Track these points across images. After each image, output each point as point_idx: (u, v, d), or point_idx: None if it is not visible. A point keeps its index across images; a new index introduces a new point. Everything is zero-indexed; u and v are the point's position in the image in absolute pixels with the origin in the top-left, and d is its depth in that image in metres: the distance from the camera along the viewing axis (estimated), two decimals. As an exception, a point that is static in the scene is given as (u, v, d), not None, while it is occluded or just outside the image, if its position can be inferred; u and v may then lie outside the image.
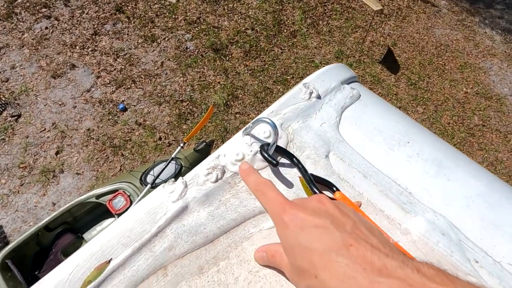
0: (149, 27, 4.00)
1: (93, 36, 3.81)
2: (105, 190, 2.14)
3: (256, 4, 4.49)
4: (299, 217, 0.33)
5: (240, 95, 3.70)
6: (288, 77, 3.93)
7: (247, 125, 0.50)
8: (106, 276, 0.38)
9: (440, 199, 0.48)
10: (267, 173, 0.48)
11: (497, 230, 0.45)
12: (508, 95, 4.29)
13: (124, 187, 2.15)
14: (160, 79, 3.66)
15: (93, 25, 3.89)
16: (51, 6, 3.93)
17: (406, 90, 4.14)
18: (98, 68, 3.60)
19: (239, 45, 4.07)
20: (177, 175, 2.13)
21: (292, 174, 0.49)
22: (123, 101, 3.45)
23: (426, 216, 0.45)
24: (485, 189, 0.51)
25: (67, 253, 2.10)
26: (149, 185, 2.02)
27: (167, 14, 4.15)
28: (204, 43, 3.99)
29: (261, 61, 4.01)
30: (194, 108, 3.53)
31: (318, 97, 0.57)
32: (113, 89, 3.50)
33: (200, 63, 3.84)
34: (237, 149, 0.49)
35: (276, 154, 0.49)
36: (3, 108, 3.23)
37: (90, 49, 3.72)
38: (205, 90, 3.66)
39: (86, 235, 2.25)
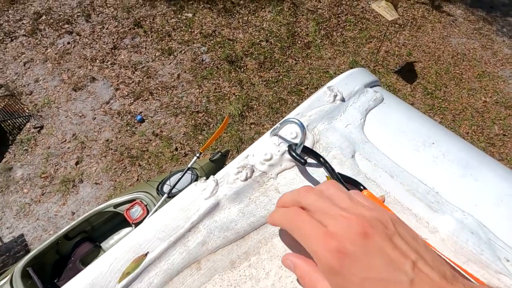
0: (166, 40, 4.11)
1: (113, 50, 3.93)
2: (123, 199, 2.16)
3: (270, 16, 4.56)
4: (351, 261, 0.29)
5: (255, 106, 3.73)
6: (303, 88, 3.95)
7: (275, 126, 0.51)
8: (143, 269, 0.39)
9: (468, 198, 0.47)
10: (295, 172, 0.49)
11: None
12: (529, 103, 4.19)
13: (141, 196, 2.17)
14: (176, 90, 3.73)
15: (113, 39, 4.02)
16: (73, 22, 4.09)
17: (422, 100, 4.09)
18: (117, 81, 3.71)
19: (254, 56, 4.13)
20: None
21: (319, 173, 0.49)
22: (140, 112, 3.52)
23: (454, 215, 0.44)
24: None
25: (85, 261, 2.12)
26: (165, 195, 2.04)
27: (183, 28, 4.26)
28: (219, 55, 4.06)
29: (276, 72, 4.05)
30: (210, 119, 3.57)
31: (342, 99, 0.58)
32: (131, 101, 3.59)
33: (216, 74, 3.91)
34: (265, 149, 0.50)
35: (303, 154, 0.49)
36: (26, 120, 3.35)
37: (109, 62, 3.84)
38: (221, 101, 3.70)
39: (103, 244, 2.28)
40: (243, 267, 0.40)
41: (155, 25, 4.23)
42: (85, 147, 3.27)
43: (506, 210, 0.46)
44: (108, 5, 4.32)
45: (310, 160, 0.50)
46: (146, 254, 0.40)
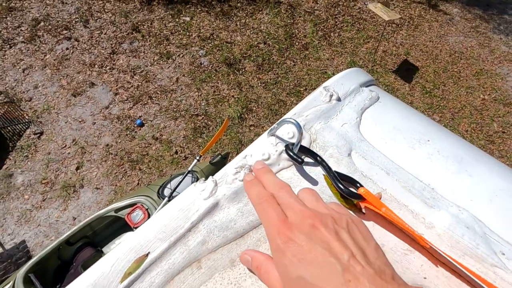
0: (165, 44, 4.12)
1: (111, 55, 3.95)
2: (124, 204, 2.17)
3: (268, 18, 4.58)
4: (295, 245, 0.33)
5: (254, 108, 3.74)
6: (301, 89, 3.96)
7: (272, 126, 0.52)
8: (144, 268, 0.40)
9: (463, 194, 0.48)
10: (292, 171, 0.50)
11: None
12: (528, 100, 4.20)
13: (142, 200, 2.17)
14: (175, 94, 3.74)
15: (111, 44, 4.03)
16: (71, 28, 4.10)
17: (421, 99, 4.10)
18: (116, 86, 3.72)
19: (252, 59, 4.14)
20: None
21: (316, 172, 0.50)
22: (140, 116, 3.53)
23: (450, 210, 0.45)
24: (508, 184, 0.51)
25: (87, 266, 2.12)
26: (166, 198, 2.04)
27: (181, 31, 4.27)
28: (217, 58, 4.08)
29: (274, 74, 4.06)
30: (209, 122, 3.58)
31: (338, 99, 0.59)
32: (131, 105, 3.60)
33: (214, 77, 3.92)
34: (263, 149, 0.51)
35: (300, 153, 0.50)
36: (26, 126, 3.36)
37: (108, 67, 3.85)
38: (220, 104, 3.71)
39: (105, 249, 2.28)
40: (243, 265, 0.41)
41: (153, 29, 4.24)
42: (85, 152, 3.27)
43: (500, 205, 0.47)
44: (106, 10, 4.34)
45: (307, 159, 0.51)
46: (147, 255, 0.41)
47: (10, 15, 4.09)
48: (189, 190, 0.47)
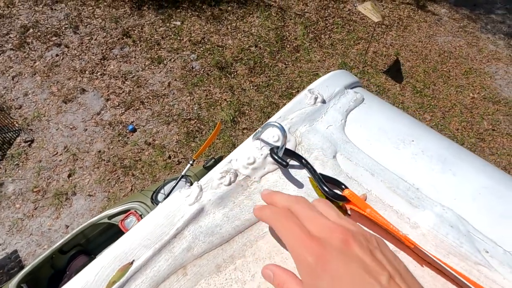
0: (156, 49, 4.11)
1: (102, 61, 3.93)
2: (117, 210, 2.15)
3: (259, 22, 4.60)
4: (329, 263, 0.30)
5: (247, 111, 3.74)
6: (293, 91, 3.98)
7: (257, 130, 0.52)
8: (129, 277, 0.40)
9: (447, 193, 0.48)
10: (278, 175, 0.50)
11: (505, 221, 0.45)
12: (516, 98, 4.26)
13: (135, 206, 2.16)
14: (167, 99, 3.73)
15: (102, 50, 4.01)
16: (61, 34, 4.08)
17: (412, 98, 4.14)
18: (107, 91, 3.70)
19: (244, 62, 4.15)
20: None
21: (302, 175, 0.50)
22: (132, 122, 3.51)
23: (434, 210, 0.45)
24: (491, 182, 0.51)
25: (81, 275, 2.10)
26: (160, 204, 2.03)
27: (172, 36, 4.27)
28: (209, 62, 4.08)
29: (266, 77, 4.07)
30: (202, 126, 3.57)
31: (323, 101, 0.59)
32: (122, 111, 3.58)
33: (206, 81, 3.92)
34: (248, 153, 0.51)
35: (285, 157, 0.50)
36: (16, 134, 3.32)
37: (99, 73, 3.83)
38: (212, 107, 3.71)
39: (99, 256, 2.25)
40: (228, 270, 0.41)
41: (143, 34, 4.23)
42: (77, 159, 3.24)
43: (484, 203, 0.48)
44: (96, 16, 4.32)
45: (292, 162, 0.51)
46: (132, 262, 0.41)
47: (-2, 22, 4.05)
48: (174, 196, 0.47)
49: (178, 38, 4.26)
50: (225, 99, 3.79)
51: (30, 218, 2.90)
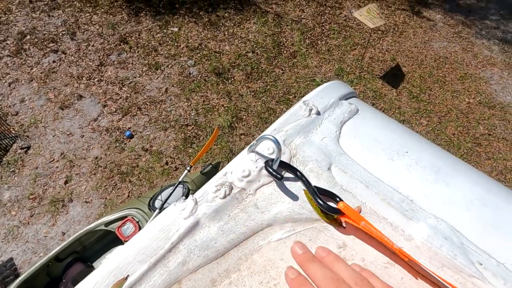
0: (153, 55, 4.12)
1: (99, 67, 3.93)
2: (114, 217, 2.14)
3: (256, 28, 4.62)
4: None
5: (244, 117, 3.75)
6: (291, 97, 3.99)
7: (252, 143, 0.52)
8: None
9: (441, 204, 0.49)
10: (273, 187, 0.50)
11: (498, 232, 0.46)
12: (512, 103, 4.30)
13: (132, 213, 2.15)
14: (165, 105, 3.73)
15: (99, 56, 4.02)
16: (58, 40, 4.08)
17: (408, 104, 4.16)
18: (105, 97, 3.70)
19: (241, 68, 4.17)
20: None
21: (297, 187, 0.50)
22: (129, 128, 3.51)
23: (428, 221, 0.46)
24: (484, 192, 0.52)
25: (77, 282, 2.07)
26: (157, 210, 2.02)
27: (169, 42, 4.28)
28: (206, 68, 4.09)
29: (263, 83, 4.08)
30: (199, 132, 3.57)
31: (318, 113, 0.60)
32: (120, 117, 3.57)
33: (203, 87, 3.93)
34: (243, 166, 0.51)
35: (280, 169, 0.50)
36: (13, 141, 3.30)
37: (96, 79, 3.83)
38: (209, 113, 3.72)
39: (96, 264, 2.23)
40: (224, 284, 0.41)
41: (141, 40, 4.24)
42: (74, 166, 3.23)
43: (477, 214, 0.48)
44: (93, 22, 4.33)
45: (287, 175, 0.51)
46: (126, 278, 0.41)
47: (-5, 29, 4.05)
48: (169, 209, 0.47)
49: (175, 44, 4.27)
50: (222, 105, 3.80)
51: (26, 226, 2.88)
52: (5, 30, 4.07)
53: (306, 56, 4.45)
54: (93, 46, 4.10)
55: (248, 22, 4.69)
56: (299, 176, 0.49)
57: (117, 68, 3.96)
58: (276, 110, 3.85)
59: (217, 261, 0.43)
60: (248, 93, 3.95)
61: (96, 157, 3.29)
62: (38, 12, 4.30)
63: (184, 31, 4.42)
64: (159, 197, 2.21)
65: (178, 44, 4.28)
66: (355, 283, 0.35)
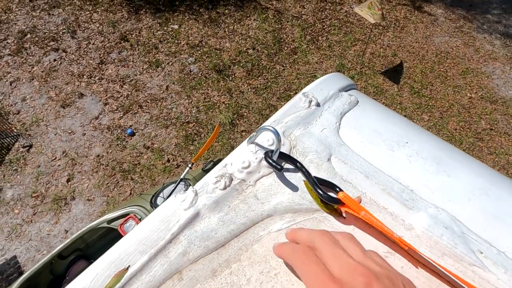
0: (153, 53, 4.12)
1: (100, 65, 3.93)
2: (116, 214, 2.14)
3: (256, 24, 4.61)
4: None
5: (245, 113, 3.75)
6: (291, 93, 3.98)
7: (251, 134, 0.52)
8: (125, 283, 0.40)
9: (441, 194, 0.48)
10: (273, 178, 0.50)
11: (499, 222, 0.46)
12: (514, 97, 4.28)
13: (134, 210, 2.15)
14: (166, 102, 3.73)
15: (99, 54, 4.02)
16: (59, 39, 4.08)
17: (410, 99, 4.15)
18: (106, 96, 3.70)
19: (242, 65, 4.16)
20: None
21: (297, 178, 0.50)
22: (130, 126, 3.51)
23: (429, 211, 0.46)
24: (485, 182, 0.51)
25: (80, 280, 2.08)
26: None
27: (170, 39, 4.28)
28: (207, 65, 4.08)
29: (264, 79, 4.08)
30: (201, 129, 3.57)
31: (318, 104, 0.59)
32: (121, 115, 3.58)
33: (204, 84, 3.92)
34: (243, 157, 0.51)
35: (280, 160, 0.50)
36: (15, 139, 3.31)
37: (97, 77, 3.83)
38: (210, 110, 3.71)
39: (99, 261, 2.24)
40: (224, 275, 0.41)
41: (141, 38, 4.24)
42: (75, 164, 3.24)
43: (478, 204, 0.48)
44: (93, 20, 4.33)
45: (287, 166, 0.51)
46: (127, 268, 0.41)
47: (-4, 28, 4.06)
48: (169, 201, 0.47)
49: (176, 41, 4.27)
50: (223, 102, 3.79)
51: (29, 224, 2.89)
52: (6, 29, 4.07)
53: (307, 52, 4.44)
54: (93, 44, 4.10)
55: (248, 18, 4.67)
56: (299, 167, 0.49)
57: (118, 66, 3.96)
58: (277, 106, 3.84)
59: (217, 251, 0.43)
60: (249, 90, 3.94)
61: (98, 155, 3.30)
62: (38, 11, 4.30)
63: (185, 28, 4.42)
64: (161, 195, 2.22)
65: (179, 42, 4.27)
66: (340, 235, 0.37)
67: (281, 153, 0.50)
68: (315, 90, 0.61)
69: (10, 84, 3.67)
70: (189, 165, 2.16)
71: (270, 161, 0.48)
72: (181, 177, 2.14)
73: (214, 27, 4.48)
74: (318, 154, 0.52)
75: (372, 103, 0.64)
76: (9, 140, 3.29)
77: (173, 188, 2.11)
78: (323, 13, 4.94)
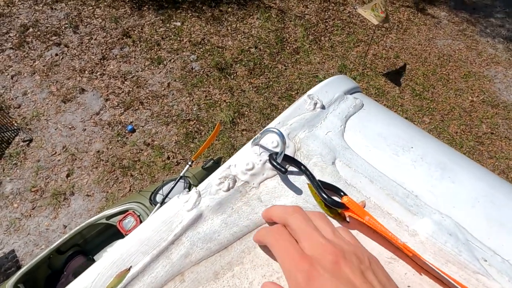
0: (155, 49, 4.11)
1: (102, 61, 3.92)
2: (115, 211, 2.14)
3: (259, 23, 4.60)
4: (318, 283, 0.31)
5: (246, 112, 3.74)
6: (293, 93, 3.98)
7: (256, 136, 0.52)
8: (126, 283, 0.39)
9: (446, 200, 0.48)
10: (277, 181, 0.50)
11: (503, 229, 0.45)
12: (515, 102, 4.27)
13: (134, 207, 2.15)
14: (167, 99, 3.73)
15: (101, 50, 4.01)
16: (61, 34, 4.07)
17: (411, 101, 4.15)
18: (107, 91, 3.69)
19: (243, 63, 4.15)
20: (186, 193, 2.13)
21: (301, 181, 0.50)
22: (131, 122, 3.51)
23: (433, 217, 0.45)
24: (490, 189, 0.51)
25: (78, 275, 2.08)
26: (158, 205, 2.02)
27: (172, 36, 4.27)
28: (209, 63, 4.08)
29: (266, 78, 4.07)
30: (201, 127, 3.57)
31: (323, 107, 0.59)
32: (122, 111, 3.57)
33: (206, 82, 3.92)
34: (247, 159, 0.51)
35: (284, 163, 0.50)
36: (15, 133, 3.31)
37: (98, 73, 3.83)
38: (211, 108, 3.71)
39: (97, 257, 2.25)
40: (226, 277, 0.41)
41: (143, 34, 4.23)
42: (75, 159, 3.24)
43: (483, 211, 0.48)
44: (96, 16, 4.32)
45: (291, 168, 0.51)
46: (129, 269, 0.40)
47: (-2, 21, 4.05)
48: (172, 201, 0.47)
49: (178, 38, 4.26)
50: (224, 100, 3.79)
51: (28, 218, 2.89)
52: (8, 23, 4.06)
53: (309, 52, 4.43)
54: (95, 39, 4.09)
55: (251, 17, 4.66)
56: (303, 170, 0.48)
57: (120, 62, 3.95)
58: (278, 106, 3.84)
59: (220, 253, 0.43)
60: (251, 89, 3.94)
61: (98, 151, 3.30)
62: (41, 5, 4.29)
63: (187, 25, 4.41)
64: (160, 192, 2.22)
65: (181, 39, 4.26)
66: (312, 214, 0.39)
67: (285, 155, 0.49)
68: (320, 92, 0.61)
69: (12, 78, 3.66)
70: (189, 163, 2.16)
71: (275, 163, 0.47)
72: (181, 174, 2.14)
73: (216, 25, 4.47)
74: (322, 157, 0.52)
75: (377, 107, 0.64)
76: (9, 134, 3.29)
77: (172, 185, 2.11)
78: (326, 13, 4.94)
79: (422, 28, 5.02)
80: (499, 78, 4.50)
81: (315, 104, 0.58)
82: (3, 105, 3.45)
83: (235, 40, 4.37)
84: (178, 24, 4.41)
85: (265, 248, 0.43)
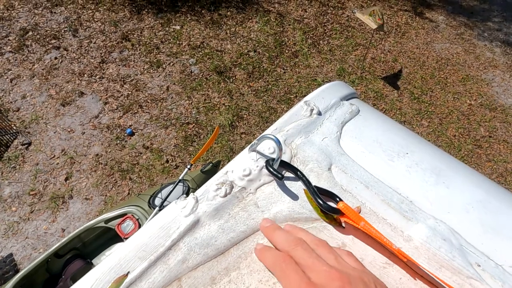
0: (155, 53, 4.12)
1: (101, 64, 3.93)
2: (114, 214, 2.14)
3: (258, 27, 4.62)
4: None
5: (245, 116, 3.75)
6: (292, 96, 3.99)
7: (253, 142, 0.53)
8: None
9: (440, 206, 0.49)
10: (273, 186, 0.50)
11: (497, 235, 0.46)
12: (513, 105, 4.29)
13: (132, 210, 2.15)
14: (166, 103, 3.73)
15: (101, 53, 4.02)
16: (60, 37, 4.08)
17: (409, 105, 4.16)
18: (106, 95, 3.70)
19: (242, 67, 4.17)
20: (185, 197, 2.13)
21: (297, 187, 0.51)
22: (130, 125, 3.51)
23: (427, 222, 0.46)
24: (484, 195, 0.52)
25: (76, 279, 2.08)
26: (157, 208, 2.02)
27: (171, 40, 4.28)
28: (208, 67, 4.09)
29: (265, 82, 4.08)
30: (200, 130, 3.58)
31: (319, 113, 0.60)
32: (121, 115, 3.58)
33: (205, 85, 3.93)
34: (244, 165, 0.51)
35: (281, 169, 0.50)
36: (14, 137, 3.31)
37: (97, 76, 3.83)
38: (210, 112, 3.72)
39: (95, 261, 2.24)
40: (223, 282, 0.41)
41: (143, 38, 4.25)
42: (74, 163, 3.23)
43: (477, 216, 0.48)
44: (96, 19, 4.33)
45: (288, 174, 0.51)
46: (127, 274, 0.41)
47: (-3, 24, 4.06)
48: (169, 207, 0.47)
49: (177, 42, 4.28)
50: (223, 104, 3.80)
51: (26, 221, 2.89)
52: (7, 26, 4.07)
53: (308, 55, 4.45)
54: (95, 43, 4.11)
55: (250, 21, 4.69)
56: (299, 176, 0.49)
57: (119, 65, 3.96)
58: (277, 109, 3.85)
59: (217, 259, 0.43)
60: (249, 92, 3.95)
61: (97, 154, 3.30)
62: (40, 9, 4.30)
63: (186, 29, 4.42)
64: (159, 195, 2.21)
65: (180, 42, 4.28)
66: (315, 244, 0.40)
67: (282, 161, 0.50)
68: (316, 98, 0.62)
69: (11, 81, 3.66)
70: (188, 166, 2.16)
71: (271, 169, 0.48)
72: (180, 178, 2.15)
73: (215, 29, 4.49)
74: (318, 163, 0.52)
75: (373, 113, 0.65)
76: (8, 137, 3.29)
77: (171, 189, 2.11)
78: (324, 17, 4.96)
79: (420, 32, 5.05)
80: (496, 81, 4.52)
81: (312, 110, 0.59)
82: (2, 108, 3.45)
83: (234, 43, 4.39)
84: (177, 27, 4.42)
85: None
